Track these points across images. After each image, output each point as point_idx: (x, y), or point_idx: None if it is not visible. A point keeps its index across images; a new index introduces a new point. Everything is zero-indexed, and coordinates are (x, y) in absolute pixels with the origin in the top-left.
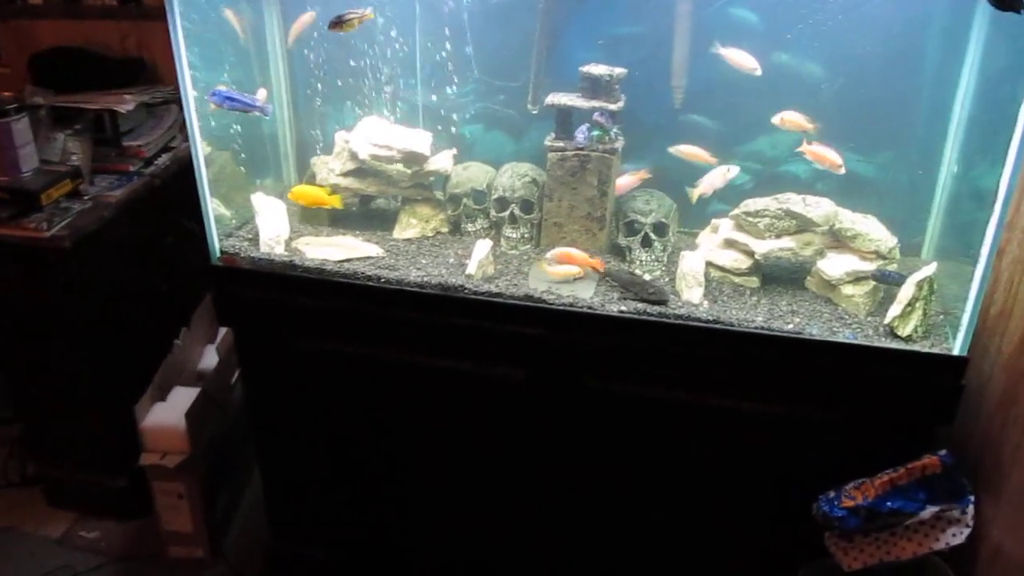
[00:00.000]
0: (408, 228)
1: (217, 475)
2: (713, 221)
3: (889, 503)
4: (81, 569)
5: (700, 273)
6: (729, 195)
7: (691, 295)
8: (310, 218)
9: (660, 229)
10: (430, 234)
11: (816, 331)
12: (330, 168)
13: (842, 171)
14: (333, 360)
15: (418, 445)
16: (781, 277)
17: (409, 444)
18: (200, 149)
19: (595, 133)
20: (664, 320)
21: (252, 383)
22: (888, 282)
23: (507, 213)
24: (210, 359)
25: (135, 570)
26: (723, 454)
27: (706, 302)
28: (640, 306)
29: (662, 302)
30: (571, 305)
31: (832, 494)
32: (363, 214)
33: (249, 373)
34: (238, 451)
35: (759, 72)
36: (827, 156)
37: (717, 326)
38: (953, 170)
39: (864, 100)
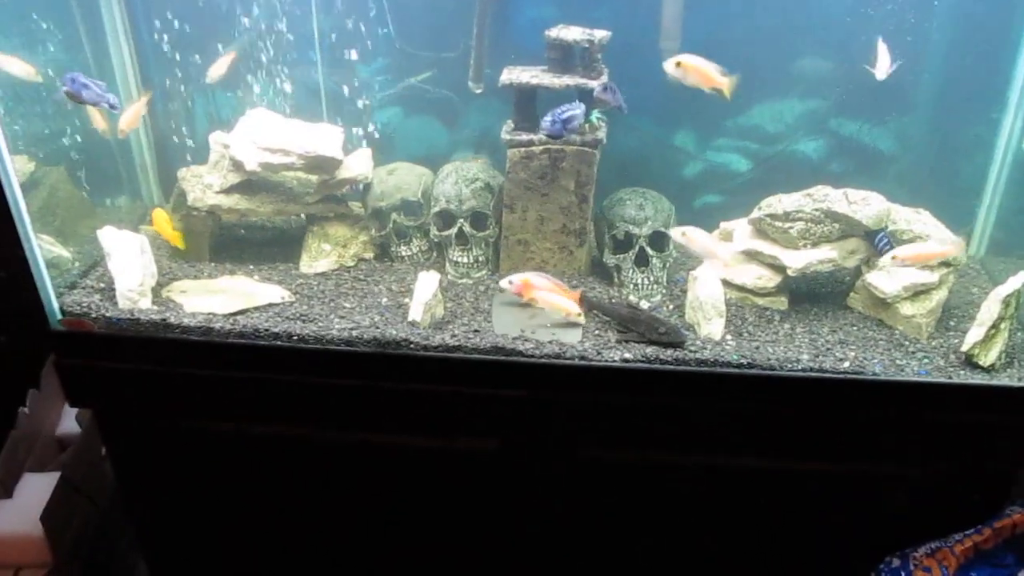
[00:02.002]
0: (320, 257)
1: None
2: (723, 226)
3: (974, 574)
4: None
5: (721, 300)
6: (723, 183)
7: (711, 329)
8: (186, 250)
9: (658, 241)
10: (350, 263)
11: (879, 368)
12: (206, 184)
13: (724, 88)
14: (235, 444)
15: (355, 542)
16: (814, 293)
17: (345, 542)
18: (10, 166)
19: (594, 117)
20: (683, 368)
21: (125, 474)
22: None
23: (453, 231)
24: (69, 424)
25: None
26: (760, 523)
27: (729, 337)
28: (649, 351)
29: (678, 344)
30: (557, 356)
31: (896, 562)
32: (258, 240)
33: (120, 463)
34: (117, 545)
35: (726, 90)
36: (703, 70)
37: (753, 371)
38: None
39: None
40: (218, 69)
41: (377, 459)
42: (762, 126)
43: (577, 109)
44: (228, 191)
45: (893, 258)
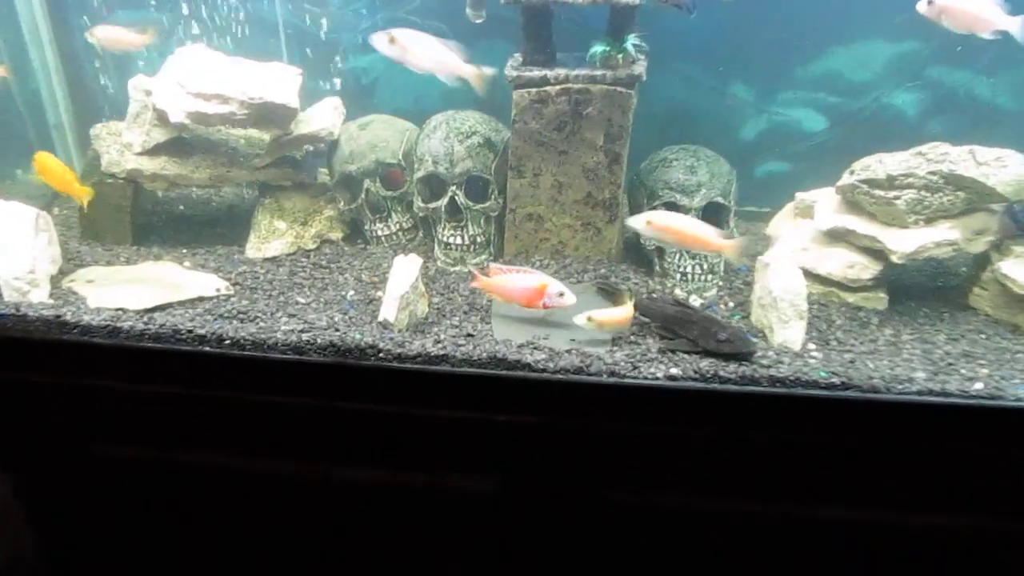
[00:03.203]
0: (272, 238)
1: None
2: (799, 197)
3: None
4: None
5: (802, 296)
6: (792, 146)
7: (788, 335)
8: (101, 230)
9: (717, 216)
10: (311, 245)
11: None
12: (124, 144)
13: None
14: (157, 475)
15: None
16: (922, 288)
17: None
18: None
19: (630, 44)
20: (751, 389)
21: (31, 512)
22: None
23: (443, 202)
24: None
25: None
26: None
27: (813, 346)
28: (704, 365)
29: (745, 355)
30: (578, 371)
31: None
32: (200, 219)
33: (24, 498)
34: None
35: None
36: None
37: (848, 394)
38: None
39: None
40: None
41: (337, 500)
42: (842, 74)
43: None
44: (152, 152)
45: None
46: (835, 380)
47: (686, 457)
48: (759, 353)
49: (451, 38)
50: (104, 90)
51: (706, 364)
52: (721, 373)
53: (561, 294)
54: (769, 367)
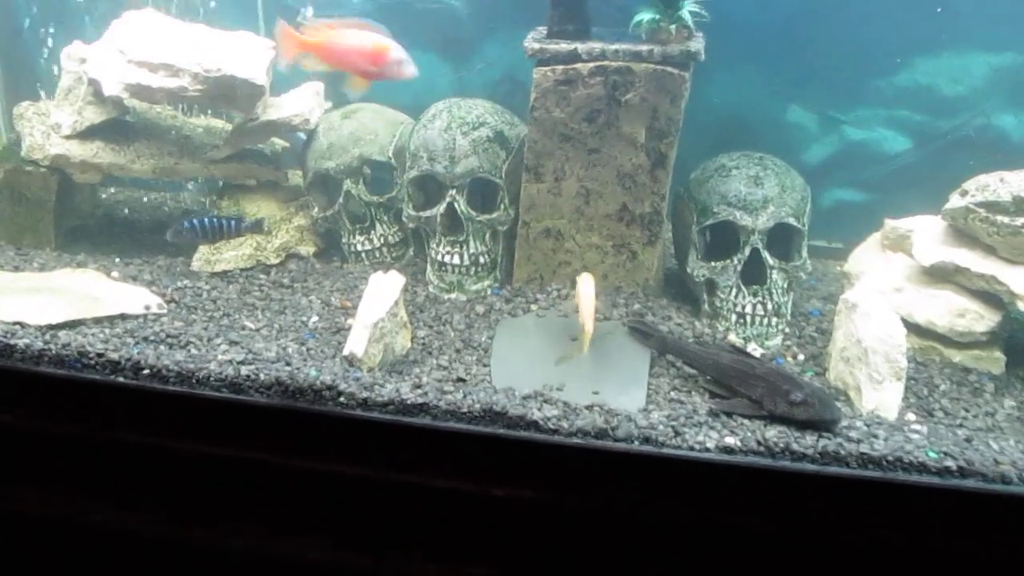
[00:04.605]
0: (225, 249)
1: None
2: (890, 224)
3: None
4: None
5: (900, 348)
6: (867, 170)
7: (880, 400)
8: (17, 229)
9: (783, 242)
10: (273, 260)
11: None
12: (52, 124)
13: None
14: (59, 536)
15: None
16: None
17: None
18: None
19: (685, 9)
20: (835, 471)
21: None
22: None
23: (439, 210)
24: None
25: None
26: None
27: (913, 416)
28: (772, 434)
29: (828, 423)
30: (600, 435)
31: None
32: (147, 225)
33: None
34: None
35: None
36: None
37: (968, 484)
38: None
39: None
40: None
41: None
42: (930, 88)
43: None
44: (84, 135)
45: None
46: (949, 464)
47: (743, 560)
48: (844, 422)
49: (467, 23)
50: (45, 63)
51: (774, 433)
52: (794, 447)
53: (401, 63)
54: (859, 441)
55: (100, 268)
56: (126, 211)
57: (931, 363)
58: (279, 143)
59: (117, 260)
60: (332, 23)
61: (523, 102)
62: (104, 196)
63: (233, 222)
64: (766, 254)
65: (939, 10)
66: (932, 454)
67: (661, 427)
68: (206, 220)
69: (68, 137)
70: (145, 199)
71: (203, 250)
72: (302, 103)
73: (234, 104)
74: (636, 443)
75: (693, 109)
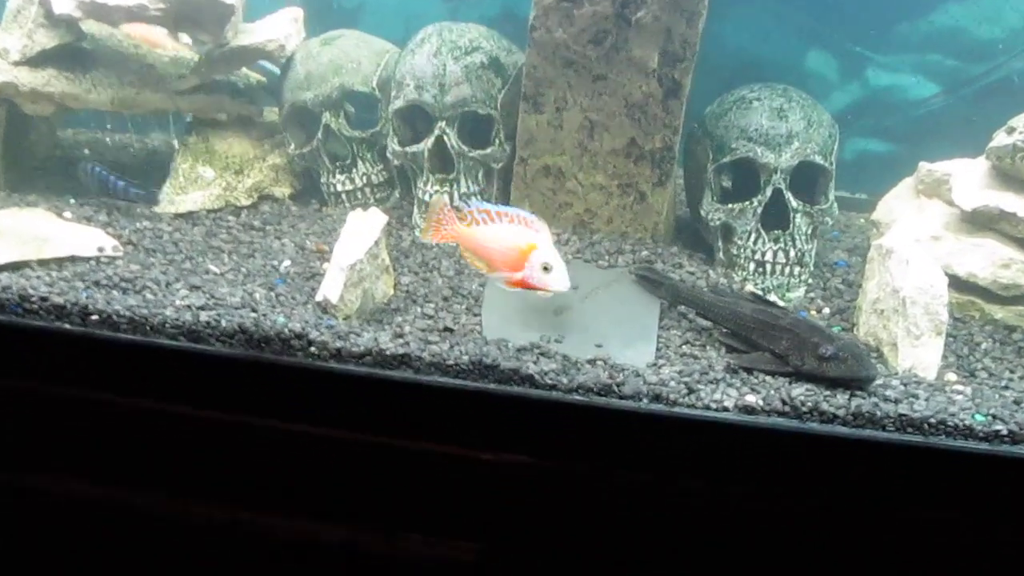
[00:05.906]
0: (191, 188)
1: None
2: (925, 167)
3: None
4: None
5: (942, 300)
6: (893, 117)
7: (919, 356)
8: None
9: (811, 184)
10: (244, 201)
11: None
12: (0, 50)
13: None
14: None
15: None
16: None
17: None
18: None
19: None
20: (870, 434)
21: None
22: None
23: (427, 145)
24: None
25: None
26: None
27: (953, 376)
28: (798, 392)
29: (862, 381)
30: (604, 392)
31: None
32: (111, 166)
33: None
34: None
35: None
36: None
37: (1021, 452)
38: None
39: None
40: None
41: (249, 558)
42: (963, 30)
43: None
44: (35, 62)
45: None
46: (999, 428)
47: (763, 536)
48: (879, 381)
49: None
50: None
51: (800, 392)
52: (824, 407)
53: (547, 268)
54: (897, 401)
55: (52, 209)
56: (86, 152)
57: (970, 320)
58: (254, 76)
59: (72, 201)
60: (493, 211)
61: (522, 43)
62: (63, 136)
63: (121, 183)
64: (789, 195)
65: None
66: (979, 417)
67: (673, 383)
68: (99, 170)
69: (17, 63)
70: (108, 141)
71: (168, 188)
72: (278, 29)
73: (201, 27)
74: (644, 401)
75: (705, 49)
